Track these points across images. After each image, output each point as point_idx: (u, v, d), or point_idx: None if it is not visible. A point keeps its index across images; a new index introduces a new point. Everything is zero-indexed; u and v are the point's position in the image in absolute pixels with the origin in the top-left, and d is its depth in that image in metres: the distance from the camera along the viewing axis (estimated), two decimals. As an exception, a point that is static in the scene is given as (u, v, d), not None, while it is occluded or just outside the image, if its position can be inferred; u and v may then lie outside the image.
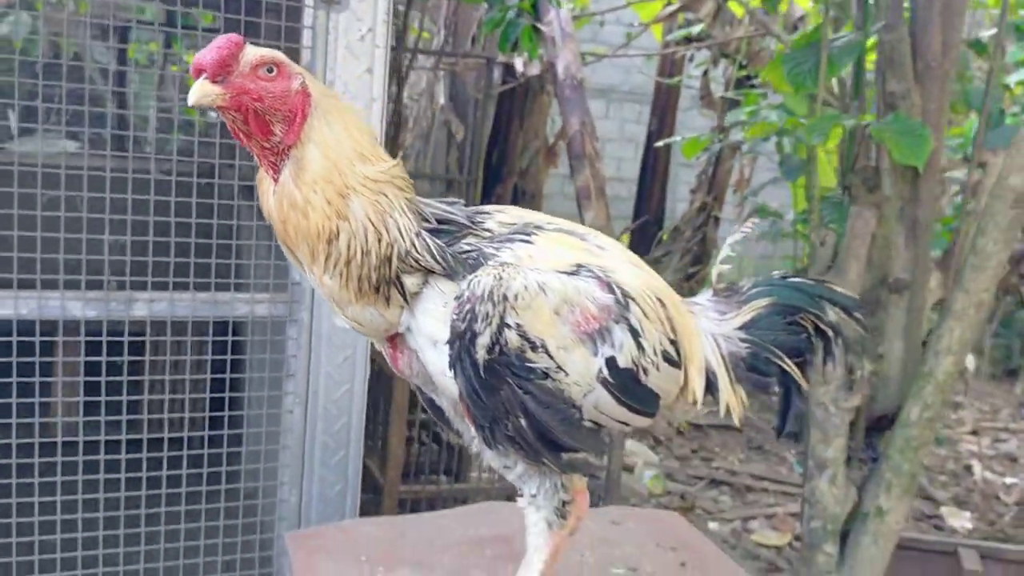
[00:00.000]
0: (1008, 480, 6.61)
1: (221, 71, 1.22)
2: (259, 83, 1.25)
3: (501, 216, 1.43)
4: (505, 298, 1.28)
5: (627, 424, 1.43)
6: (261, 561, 2.46)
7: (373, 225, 1.30)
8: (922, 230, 2.88)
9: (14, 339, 2.08)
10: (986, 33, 3.63)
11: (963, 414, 7.89)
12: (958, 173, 4.06)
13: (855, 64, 3.06)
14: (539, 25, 6.73)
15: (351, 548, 1.92)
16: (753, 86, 8.15)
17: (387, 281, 1.32)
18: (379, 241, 1.30)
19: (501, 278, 1.29)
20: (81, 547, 2.28)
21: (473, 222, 1.40)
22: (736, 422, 1.55)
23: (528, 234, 1.38)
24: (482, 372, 1.30)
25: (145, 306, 2.19)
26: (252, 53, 1.24)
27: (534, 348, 1.30)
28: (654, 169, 9.64)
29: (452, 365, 1.32)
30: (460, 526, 2.08)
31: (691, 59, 9.49)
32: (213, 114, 1.40)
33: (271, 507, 2.42)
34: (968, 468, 6.78)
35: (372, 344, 2.37)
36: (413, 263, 1.33)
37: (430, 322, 1.35)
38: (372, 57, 2.28)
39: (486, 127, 7.51)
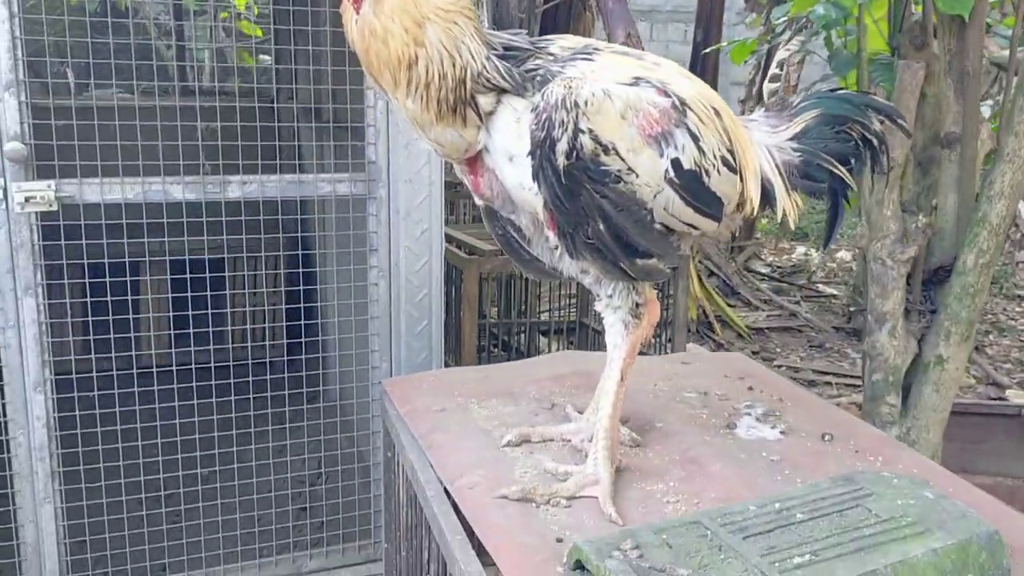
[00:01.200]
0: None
1: None
2: None
3: (562, 42, 1.56)
4: (576, 105, 1.41)
5: (695, 227, 1.57)
6: (359, 423, 2.68)
7: (447, 50, 1.44)
8: (970, 81, 2.93)
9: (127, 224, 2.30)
10: None
11: (1027, 305, 7.88)
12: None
13: (897, -75, 3.09)
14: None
15: (444, 387, 2.11)
16: (798, -14, 8.02)
17: (463, 101, 1.47)
18: (453, 65, 1.45)
19: (571, 87, 1.43)
20: (198, 420, 2.52)
21: (537, 47, 1.53)
22: (791, 225, 1.68)
23: (589, 54, 1.51)
24: (563, 178, 1.44)
25: (238, 188, 2.37)
26: None
27: (606, 151, 1.44)
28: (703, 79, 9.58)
29: (535, 175, 1.46)
30: (542, 367, 2.25)
31: (734, -36, 9.36)
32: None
33: (364, 374, 2.62)
34: (1033, 355, 6.78)
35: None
36: (485, 83, 1.47)
37: (505, 137, 1.49)
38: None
39: (532, 47, 7.55)
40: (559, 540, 1.43)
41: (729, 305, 7.30)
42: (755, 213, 1.65)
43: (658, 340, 4.27)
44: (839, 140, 1.68)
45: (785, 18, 6.36)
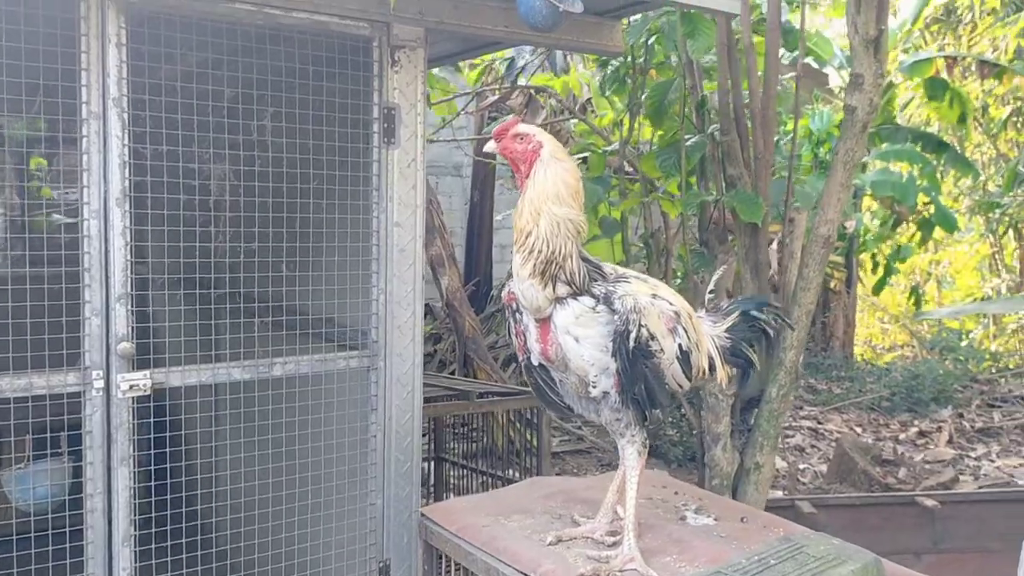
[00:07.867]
0: (801, 466, 8.30)
1: (499, 136, 2.27)
2: (513, 144, 2.29)
3: (607, 268, 2.45)
4: (639, 310, 2.32)
5: (681, 387, 2.51)
6: (347, 554, 3.30)
7: (545, 237, 2.29)
8: (761, 267, 4.20)
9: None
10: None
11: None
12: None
13: (702, 156, 4.37)
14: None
15: (472, 510, 2.85)
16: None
17: (548, 275, 2.30)
18: (546, 246, 2.29)
19: (636, 299, 2.33)
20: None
21: (597, 267, 2.41)
22: (723, 387, 2.67)
23: (626, 279, 2.43)
24: (630, 355, 2.33)
25: (281, 367, 3.01)
26: (514, 129, 2.28)
27: (652, 338, 2.35)
28: (479, 236, 10.85)
29: (614, 353, 2.33)
30: (532, 490, 3.06)
31: (503, 139, 10.89)
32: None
33: (364, 510, 3.26)
34: (770, 459, 8.34)
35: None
36: (566, 276, 2.32)
37: (566, 322, 2.35)
38: (416, 177, 3.25)
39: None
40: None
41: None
42: (705, 378, 2.62)
43: (524, 464, 5.14)
44: (751, 331, 2.71)
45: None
